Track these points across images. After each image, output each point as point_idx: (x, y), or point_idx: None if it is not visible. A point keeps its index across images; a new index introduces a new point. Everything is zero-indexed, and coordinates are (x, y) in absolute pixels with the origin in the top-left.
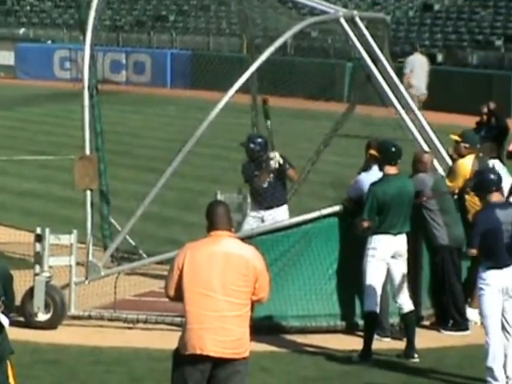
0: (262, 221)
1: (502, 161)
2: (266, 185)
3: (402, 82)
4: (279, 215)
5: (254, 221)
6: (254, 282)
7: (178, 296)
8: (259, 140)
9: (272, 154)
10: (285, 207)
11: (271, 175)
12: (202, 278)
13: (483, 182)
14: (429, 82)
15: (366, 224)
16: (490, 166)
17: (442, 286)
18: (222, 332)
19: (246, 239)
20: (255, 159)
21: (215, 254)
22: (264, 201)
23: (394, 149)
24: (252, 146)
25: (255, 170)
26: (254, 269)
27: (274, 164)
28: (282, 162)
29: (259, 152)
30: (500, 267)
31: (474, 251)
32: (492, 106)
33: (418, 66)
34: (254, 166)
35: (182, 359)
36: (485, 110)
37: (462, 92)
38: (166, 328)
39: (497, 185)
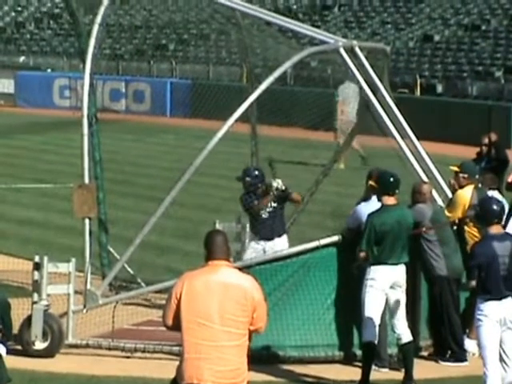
0: (264, 252)
1: (501, 192)
2: (266, 215)
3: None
4: (280, 246)
5: (256, 252)
6: (252, 312)
7: (176, 325)
8: (256, 173)
9: (274, 182)
10: (285, 237)
11: (272, 204)
12: (199, 308)
13: (486, 213)
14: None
15: (362, 254)
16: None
17: (440, 316)
18: (219, 362)
19: (245, 269)
20: (253, 191)
21: (213, 284)
22: (265, 231)
23: (392, 179)
24: (248, 179)
25: (254, 200)
26: (252, 299)
27: (276, 189)
28: (284, 188)
29: (256, 185)
30: (498, 299)
31: (474, 283)
32: (493, 137)
33: (351, 95)
34: (253, 197)
35: None
36: (486, 141)
37: (462, 123)
38: (164, 357)
39: (499, 217)
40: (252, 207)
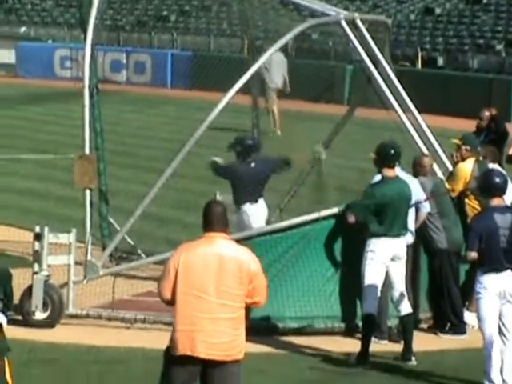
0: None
1: (501, 165)
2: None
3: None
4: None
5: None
6: (248, 284)
7: (174, 298)
8: (249, 142)
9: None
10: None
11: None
12: (195, 280)
13: (488, 185)
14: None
15: (352, 219)
16: None
17: (440, 289)
18: (213, 334)
19: (242, 241)
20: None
21: (209, 256)
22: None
23: (393, 151)
24: (239, 148)
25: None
26: (248, 270)
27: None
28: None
29: (249, 154)
30: (497, 271)
31: (473, 254)
32: (494, 111)
33: (275, 62)
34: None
35: (172, 359)
36: (486, 113)
37: (462, 96)
38: (163, 328)
39: (501, 190)
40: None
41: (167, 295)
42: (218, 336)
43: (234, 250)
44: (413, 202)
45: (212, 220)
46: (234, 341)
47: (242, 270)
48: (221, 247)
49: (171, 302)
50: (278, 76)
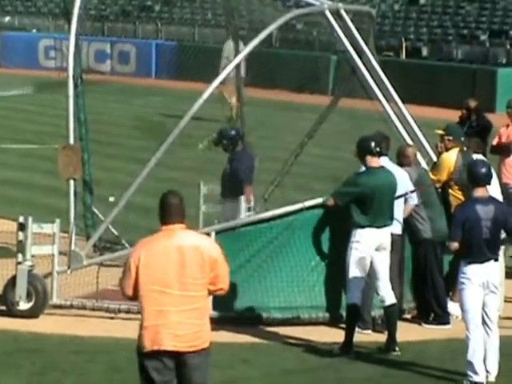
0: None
1: (485, 155)
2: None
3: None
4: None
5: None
6: (210, 271)
7: (137, 295)
8: (233, 133)
9: None
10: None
11: None
12: (157, 275)
13: (472, 176)
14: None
15: (331, 202)
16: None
17: (424, 279)
18: (179, 326)
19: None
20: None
21: (170, 249)
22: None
23: (373, 143)
24: (225, 142)
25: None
26: (209, 257)
27: None
28: None
29: (235, 144)
30: (480, 262)
31: (455, 245)
32: (472, 103)
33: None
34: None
35: (144, 357)
36: (470, 104)
37: (447, 86)
38: None
39: (485, 180)
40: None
41: (129, 292)
42: (183, 328)
43: (194, 239)
44: (401, 192)
45: (169, 212)
46: (200, 331)
47: (204, 258)
48: (180, 238)
49: (134, 299)
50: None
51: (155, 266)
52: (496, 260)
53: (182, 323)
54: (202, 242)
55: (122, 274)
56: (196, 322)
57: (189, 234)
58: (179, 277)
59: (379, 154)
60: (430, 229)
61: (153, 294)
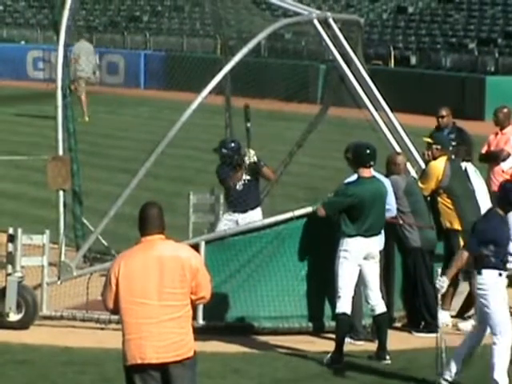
0: (237, 224)
1: (473, 163)
2: (240, 187)
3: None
4: (253, 218)
5: (229, 224)
6: (190, 281)
7: (118, 307)
8: (232, 145)
9: (247, 152)
10: (258, 210)
11: (246, 177)
12: (136, 287)
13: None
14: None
15: (322, 212)
16: (463, 168)
17: (413, 287)
18: (160, 337)
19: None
20: (229, 164)
21: (149, 260)
22: (238, 203)
23: (368, 151)
24: (225, 151)
25: (230, 172)
26: (189, 267)
27: (248, 159)
28: (256, 159)
29: (232, 157)
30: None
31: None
32: (445, 112)
33: (84, 52)
34: (228, 169)
35: (129, 369)
36: (443, 113)
37: (435, 94)
38: None
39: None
40: (226, 179)
41: (110, 305)
42: (165, 338)
43: (173, 249)
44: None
45: (148, 223)
46: (182, 340)
47: (184, 267)
48: (159, 249)
49: (115, 312)
50: (87, 65)
51: (134, 278)
52: None
53: (163, 333)
54: (181, 251)
55: (103, 288)
56: (178, 331)
57: (168, 244)
58: (159, 287)
59: (372, 166)
60: (418, 237)
61: (133, 306)
